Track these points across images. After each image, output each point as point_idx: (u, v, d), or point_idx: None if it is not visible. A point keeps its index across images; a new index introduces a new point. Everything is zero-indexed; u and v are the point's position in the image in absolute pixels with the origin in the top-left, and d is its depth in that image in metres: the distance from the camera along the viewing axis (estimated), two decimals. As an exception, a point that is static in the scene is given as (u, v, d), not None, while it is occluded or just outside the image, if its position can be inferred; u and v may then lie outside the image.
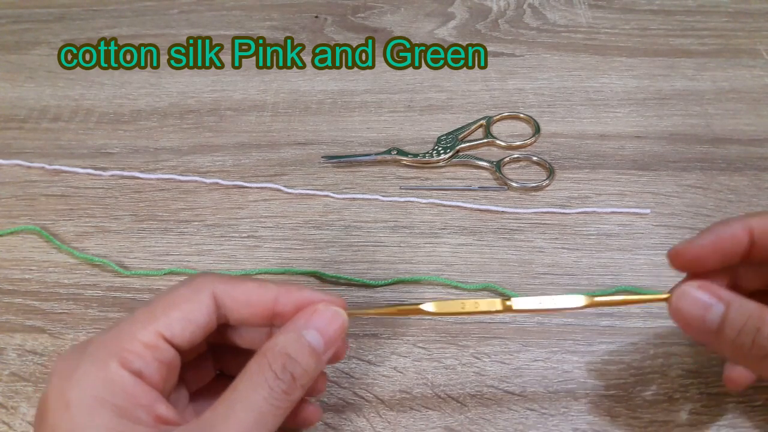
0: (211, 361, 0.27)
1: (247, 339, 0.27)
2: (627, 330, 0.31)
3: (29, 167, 0.40)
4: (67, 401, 0.21)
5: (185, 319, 0.24)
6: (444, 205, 0.37)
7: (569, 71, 0.45)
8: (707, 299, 0.24)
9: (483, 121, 0.40)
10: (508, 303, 0.25)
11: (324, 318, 0.24)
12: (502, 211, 0.37)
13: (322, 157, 0.39)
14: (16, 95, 0.45)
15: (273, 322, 0.25)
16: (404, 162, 0.39)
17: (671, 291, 0.25)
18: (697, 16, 0.49)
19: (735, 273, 0.26)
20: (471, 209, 0.37)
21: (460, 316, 0.31)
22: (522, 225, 0.36)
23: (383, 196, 0.38)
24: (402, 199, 0.37)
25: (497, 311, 0.26)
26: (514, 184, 0.37)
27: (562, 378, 0.30)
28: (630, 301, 0.26)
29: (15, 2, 0.53)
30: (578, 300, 0.26)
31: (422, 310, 0.26)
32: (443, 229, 0.36)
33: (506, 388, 0.30)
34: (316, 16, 0.51)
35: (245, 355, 0.25)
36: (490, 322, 0.32)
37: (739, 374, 0.27)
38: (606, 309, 0.32)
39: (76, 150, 0.41)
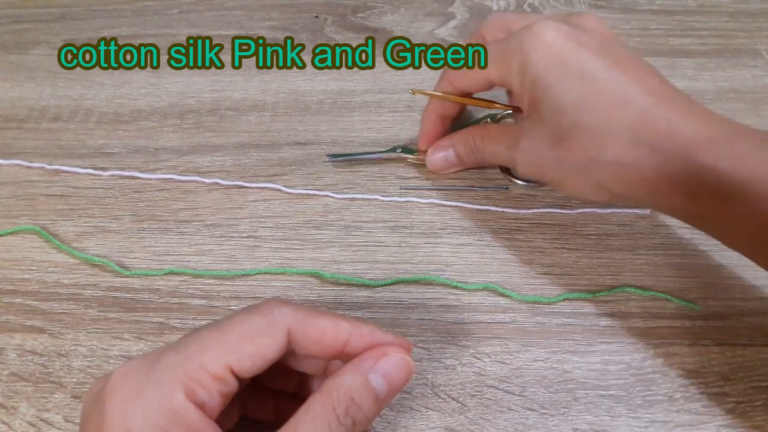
0: (238, 402, 0.27)
1: (304, 365, 0.26)
2: (627, 330, 0.31)
3: (29, 167, 0.40)
4: (129, 428, 0.21)
5: (257, 355, 0.22)
6: (444, 205, 0.37)
7: (569, 71, 0.45)
8: (442, 152, 0.37)
9: (488, 119, 0.40)
10: None
11: (391, 364, 0.24)
12: (502, 211, 0.37)
13: (327, 155, 0.39)
14: (15, 95, 0.45)
15: (338, 358, 0.25)
16: (409, 160, 0.39)
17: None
18: (698, 16, 0.49)
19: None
20: (471, 209, 0.37)
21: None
22: (522, 225, 0.36)
23: (383, 196, 0.37)
24: (402, 199, 0.37)
25: None
26: (519, 182, 0.37)
27: (562, 378, 0.30)
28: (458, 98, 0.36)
29: (15, 2, 0.53)
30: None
31: None
32: (443, 229, 0.36)
33: (506, 388, 0.30)
34: (316, 16, 0.51)
35: (270, 397, 0.25)
36: (490, 322, 0.32)
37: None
38: (606, 309, 0.32)
39: (76, 150, 0.41)
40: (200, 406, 0.22)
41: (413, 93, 0.37)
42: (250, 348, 0.22)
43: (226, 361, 0.22)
